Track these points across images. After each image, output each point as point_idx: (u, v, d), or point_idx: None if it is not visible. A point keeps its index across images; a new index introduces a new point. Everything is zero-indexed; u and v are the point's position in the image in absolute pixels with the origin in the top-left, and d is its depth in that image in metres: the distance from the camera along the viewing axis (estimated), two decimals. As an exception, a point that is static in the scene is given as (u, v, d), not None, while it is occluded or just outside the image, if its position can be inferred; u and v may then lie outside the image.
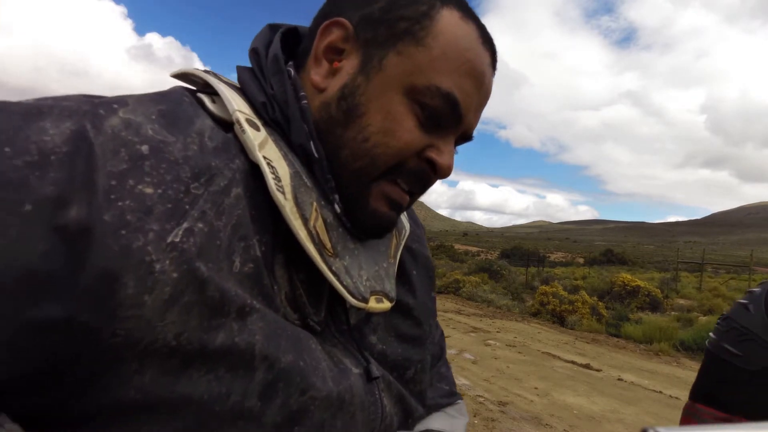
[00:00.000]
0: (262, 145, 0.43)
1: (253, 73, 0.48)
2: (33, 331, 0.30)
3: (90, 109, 0.36)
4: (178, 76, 0.47)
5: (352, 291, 0.46)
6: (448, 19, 0.46)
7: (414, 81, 0.45)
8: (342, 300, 0.48)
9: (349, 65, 0.47)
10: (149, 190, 0.35)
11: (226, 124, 0.44)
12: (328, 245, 0.45)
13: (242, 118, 0.43)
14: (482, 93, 0.49)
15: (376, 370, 0.50)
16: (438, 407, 0.65)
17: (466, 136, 0.52)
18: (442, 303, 12.44)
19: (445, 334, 7.92)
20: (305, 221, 0.43)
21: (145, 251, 0.33)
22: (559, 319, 10.57)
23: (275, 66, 0.48)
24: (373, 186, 0.47)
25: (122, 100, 0.38)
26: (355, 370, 0.47)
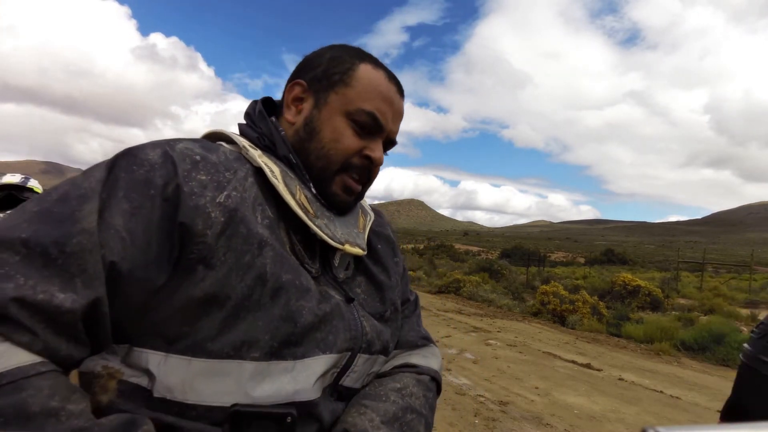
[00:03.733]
0: (260, 156, 0.70)
1: (248, 125, 0.77)
2: (169, 230, 0.58)
3: (166, 142, 0.64)
4: (208, 135, 0.76)
5: (331, 237, 0.70)
6: (364, 69, 0.75)
7: (348, 107, 0.73)
8: (332, 256, 0.74)
9: (307, 106, 0.75)
10: (203, 177, 0.62)
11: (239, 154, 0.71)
12: (311, 210, 0.70)
13: (246, 144, 0.71)
14: (394, 110, 0.76)
15: (353, 297, 0.73)
16: (415, 347, 0.86)
17: (390, 141, 0.78)
18: (443, 303, 12.43)
19: (446, 333, 7.90)
20: (293, 195, 0.68)
21: (206, 206, 0.60)
22: (559, 319, 10.56)
23: (260, 116, 0.77)
24: (335, 177, 0.73)
25: (181, 139, 0.67)
26: (338, 298, 0.71)
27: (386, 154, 0.80)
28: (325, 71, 0.75)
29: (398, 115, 0.77)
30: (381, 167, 0.77)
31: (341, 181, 0.74)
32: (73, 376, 0.59)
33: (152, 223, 0.57)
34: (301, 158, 0.73)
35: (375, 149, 0.74)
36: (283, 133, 0.75)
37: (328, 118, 0.73)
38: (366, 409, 0.68)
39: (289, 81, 0.78)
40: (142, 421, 0.53)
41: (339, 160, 0.72)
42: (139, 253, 0.56)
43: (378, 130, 0.74)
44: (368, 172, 0.76)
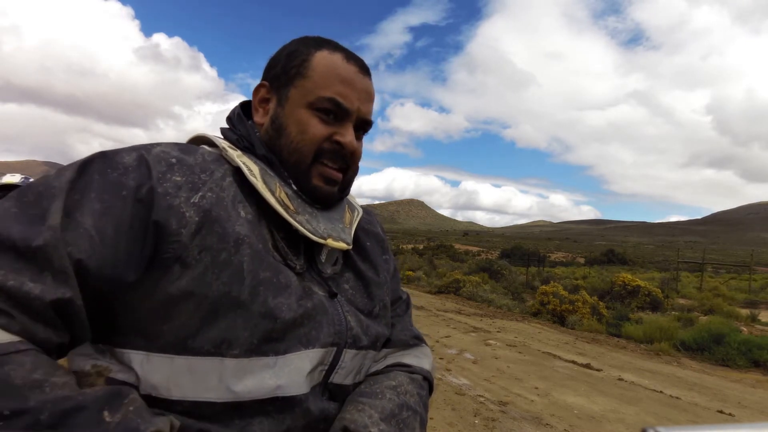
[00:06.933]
0: (239, 156, 0.72)
1: (229, 129, 0.79)
2: (142, 230, 0.60)
3: (143, 146, 0.66)
4: (193, 139, 0.78)
5: (312, 232, 0.70)
6: (320, 56, 0.75)
7: (308, 98, 0.73)
8: (318, 252, 0.74)
9: (272, 105, 0.77)
10: (178, 178, 0.64)
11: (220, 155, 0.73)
12: (291, 207, 0.70)
13: (226, 146, 0.73)
14: (358, 90, 0.75)
15: (336, 292, 0.74)
16: (408, 346, 0.87)
17: (364, 121, 0.77)
18: (443, 303, 12.43)
19: (446, 334, 7.90)
20: (272, 193, 0.69)
21: (180, 206, 0.62)
22: (559, 319, 10.57)
23: (239, 119, 0.79)
24: (311, 170, 0.73)
25: (159, 143, 0.69)
26: (321, 293, 0.72)
27: (364, 136, 0.80)
28: (284, 67, 0.76)
29: (365, 94, 0.76)
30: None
31: (318, 172, 0.73)
32: None
33: (123, 222, 0.58)
34: (275, 157, 0.74)
35: (345, 134, 0.74)
36: (258, 133, 0.76)
37: (291, 113, 0.73)
38: (364, 406, 0.69)
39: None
40: (128, 392, 0.54)
41: (310, 151, 0.72)
42: (108, 251, 0.57)
43: (344, 115, 0.74)
44: (343, 158, 0.75)
